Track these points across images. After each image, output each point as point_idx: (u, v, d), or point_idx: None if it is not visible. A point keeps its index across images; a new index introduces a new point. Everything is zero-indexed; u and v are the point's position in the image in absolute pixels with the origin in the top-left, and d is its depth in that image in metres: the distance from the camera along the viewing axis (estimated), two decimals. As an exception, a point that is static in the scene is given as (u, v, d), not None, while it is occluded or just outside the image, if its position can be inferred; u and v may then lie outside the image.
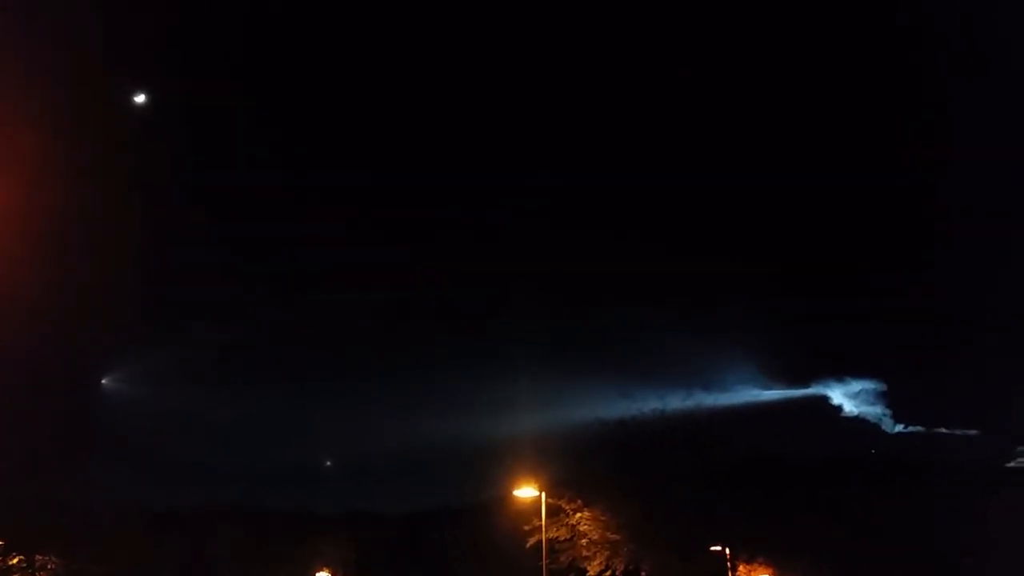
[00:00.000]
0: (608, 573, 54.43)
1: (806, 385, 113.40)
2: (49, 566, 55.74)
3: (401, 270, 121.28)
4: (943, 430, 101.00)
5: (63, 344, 51.07)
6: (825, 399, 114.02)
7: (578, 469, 54.36)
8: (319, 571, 67.27)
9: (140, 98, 55.51)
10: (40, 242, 41.62)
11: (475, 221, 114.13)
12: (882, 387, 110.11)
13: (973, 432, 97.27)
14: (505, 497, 50.24)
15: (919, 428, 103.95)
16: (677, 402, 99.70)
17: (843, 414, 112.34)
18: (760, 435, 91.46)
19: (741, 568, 61.05)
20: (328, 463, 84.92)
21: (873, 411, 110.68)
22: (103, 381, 75.51)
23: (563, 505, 53.67)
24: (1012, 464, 79.92)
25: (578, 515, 54.47)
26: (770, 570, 63.20)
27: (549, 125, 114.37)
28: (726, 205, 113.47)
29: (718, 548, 57.99)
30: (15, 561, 54.48)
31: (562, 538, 54.14)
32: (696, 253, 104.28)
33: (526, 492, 43.28)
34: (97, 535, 57.00)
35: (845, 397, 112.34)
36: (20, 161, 38.12)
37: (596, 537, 54.55)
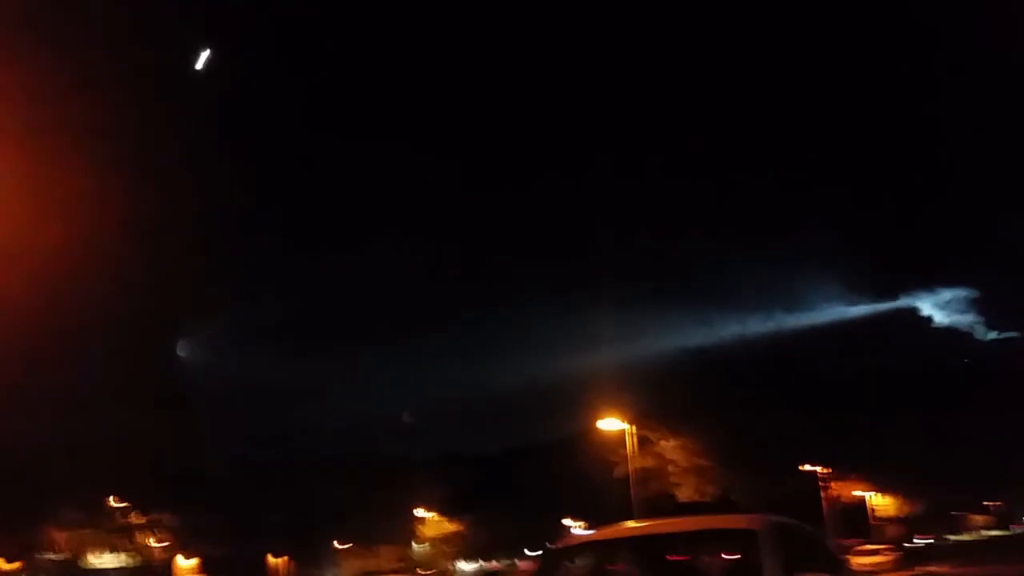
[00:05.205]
0: (698, 498, 54.67)
1: (894, 298, 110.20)
2: (164, 521, 58.84)
3: (483, 211, 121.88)
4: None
5: (139, 311, 53.24)
6: (914, 311, 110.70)
7: (662, 399, 54.15)
8: (415, 508, 69.93)
9: (200, 63, 55.71)
10: (115, 221, 43.35)
11: (556, 158, 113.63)
12: (974, 294, 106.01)
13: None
14: (590, 430, 50.54)
15: (1014, 334, 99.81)
16: (758, 325, 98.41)
17: (933, 325, 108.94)
18: (847, 352, 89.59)
19: (832, 485, 60.57)
20: (406, 417, 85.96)
21: (965, 320, 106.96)
22: (178, 347, 78.35)
23: (648, 435, 53.79)
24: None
25: (664, 443, 54.62)
26: (864, 485, 62.58)
27: (632, 67, 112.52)
28: (801, 128, 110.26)
29: (808, 468, 57.62)
30: (142, 520, 57.57)
31: (649, 466, 54.36)
32: (772, 174, 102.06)
33: (611, 424, 43.38)
34: (205, 489, 59.78)
35: (935, 307, 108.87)
36: (89, 145, 39.57)
37: (684, 464, 54.72)
